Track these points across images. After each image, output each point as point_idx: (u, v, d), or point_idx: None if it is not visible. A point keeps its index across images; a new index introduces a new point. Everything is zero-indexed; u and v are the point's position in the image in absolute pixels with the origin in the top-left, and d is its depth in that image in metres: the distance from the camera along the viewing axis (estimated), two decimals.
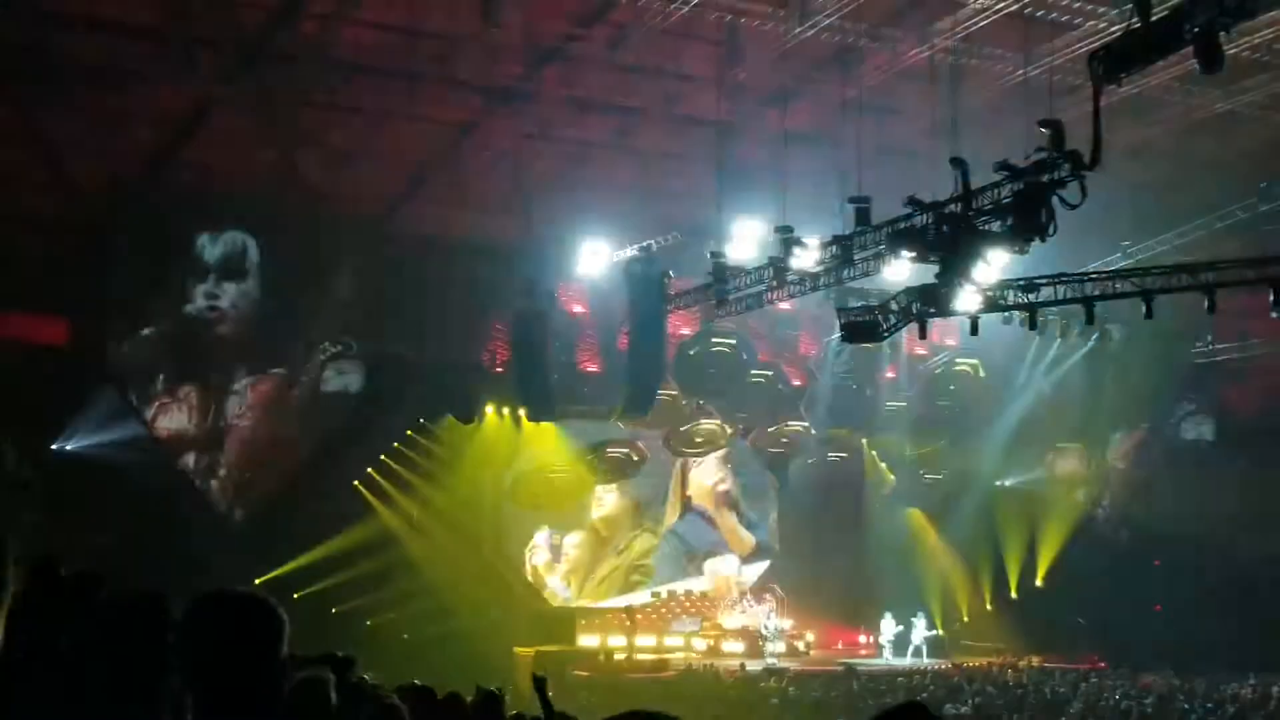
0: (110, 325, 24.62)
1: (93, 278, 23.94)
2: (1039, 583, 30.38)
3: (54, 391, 23.68)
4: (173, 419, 24.89)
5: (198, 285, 24.38)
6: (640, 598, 31.27)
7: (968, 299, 19.19)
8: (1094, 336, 25.92)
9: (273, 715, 3.08)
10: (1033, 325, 20.96)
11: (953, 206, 17.55)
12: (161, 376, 24.65)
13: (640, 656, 26.87)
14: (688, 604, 31.89)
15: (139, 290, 24.62)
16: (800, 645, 30.02)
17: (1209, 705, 19.95)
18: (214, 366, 25.04)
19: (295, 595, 21.65)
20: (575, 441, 29.85)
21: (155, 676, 3.30)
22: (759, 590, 31.60)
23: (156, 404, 24.92)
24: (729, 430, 29.38)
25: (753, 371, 26.88)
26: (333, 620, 23.54)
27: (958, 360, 30.53)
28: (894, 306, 20.11)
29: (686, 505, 32.00)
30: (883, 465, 32.82)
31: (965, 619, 31.03)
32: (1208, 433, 33.33)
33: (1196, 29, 12.87)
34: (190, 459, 25.24)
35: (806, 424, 29.24)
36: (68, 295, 23.88)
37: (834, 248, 20.70)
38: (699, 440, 29.65)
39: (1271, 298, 18.62)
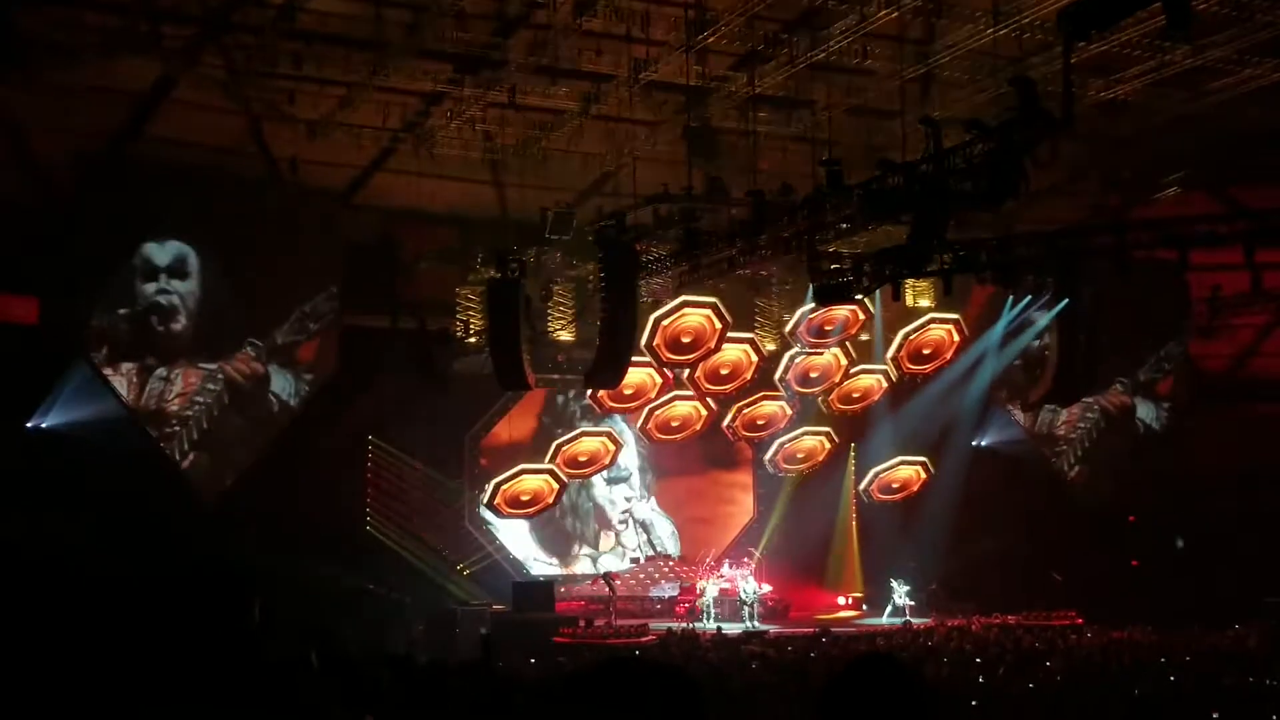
0: (80, 302, 24.49)
1: (62, 255, 23.71)
2: (1016, 540, 30.37)
3: (27, 370, 23.51)
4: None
5: (148, 284, 24.97)
6: (619, 564, 31.31)
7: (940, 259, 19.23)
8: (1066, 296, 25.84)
9: None
10: (1006, 284, 20.98)
11: (924, 167, 17.56)
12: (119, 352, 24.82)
13: (620, 622, 26.89)
14: (666, 569, 31.96)
15: (107, 268, 24.56)
16: (778, 608, 30.08)
17: (1187, 659, 20.06)
18: (157, 352, 25.17)
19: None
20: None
21: None
22: (737, 555, 31.64)
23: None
24: (704, 412, 28.79)
25: (727, 342, 26.56)
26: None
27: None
28: (866, 268, 20.14)
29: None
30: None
31: (943, 578, 31.07)
32: (1180, 389, 33.41)
33: None
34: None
35: (783, 402, 28.99)
36: (38, 273, 23.67)
37: (806, 211, 20.68)
38: (675, 425, 29.00)
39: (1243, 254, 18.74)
